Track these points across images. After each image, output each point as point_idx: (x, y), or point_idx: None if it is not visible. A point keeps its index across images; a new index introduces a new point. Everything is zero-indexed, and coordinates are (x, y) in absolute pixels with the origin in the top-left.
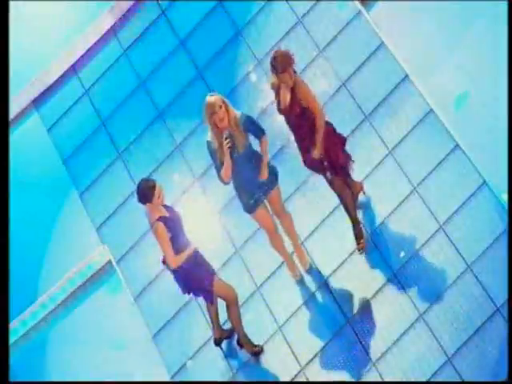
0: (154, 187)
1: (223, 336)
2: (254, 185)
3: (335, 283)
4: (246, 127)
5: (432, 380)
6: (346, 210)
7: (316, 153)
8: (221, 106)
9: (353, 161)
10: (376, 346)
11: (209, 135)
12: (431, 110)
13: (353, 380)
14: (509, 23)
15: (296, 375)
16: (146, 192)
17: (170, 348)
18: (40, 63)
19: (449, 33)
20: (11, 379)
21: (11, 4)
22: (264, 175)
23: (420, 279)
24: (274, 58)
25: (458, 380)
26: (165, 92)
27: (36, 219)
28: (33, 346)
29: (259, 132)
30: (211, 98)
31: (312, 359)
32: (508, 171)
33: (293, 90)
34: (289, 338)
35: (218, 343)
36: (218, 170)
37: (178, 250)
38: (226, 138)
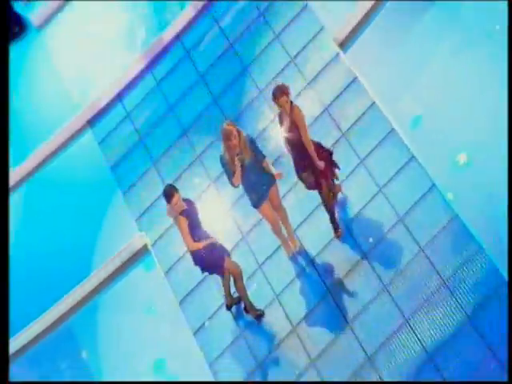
0: (171, 196)
1: (233, 303)
2: (258, 185)
3: (319, 261)
4: (251, 145)
5: (391, 338)
6: (326, 206)
7: (319, 164)
8: (235, 135)
9: (339, 168)
10: (350, 309)
11: (222, 151)
12: (392, 129)
13: (332, 337)
14: (509, 23)
15: (288, 333)
16: (165, 197)
17: (192, 312)
18: (92, 90)
19: (407, 69)
20: (76, 332)
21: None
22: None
23: (384, 258)
24: (274, 89)
25: (414, 337)
26: (188, 115)
27: (91, 212)
28: (90, 308)
29: (261, 156)
30: (229, 128)
31: (301, 321)
32: (508, 173)
33: (290, 115)
34: (283, 304)
35: (229, 308)
36: (229, 177)
37: (196, 237)
38: (237, 154)
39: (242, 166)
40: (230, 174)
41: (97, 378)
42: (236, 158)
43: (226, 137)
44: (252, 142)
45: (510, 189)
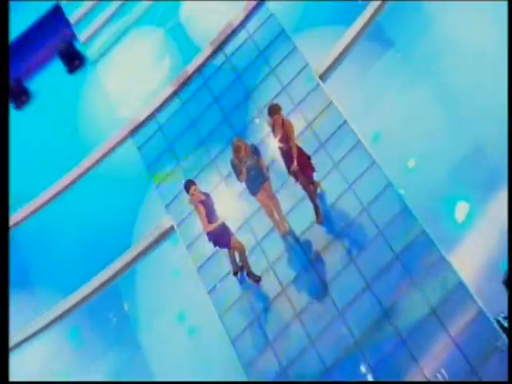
0: (188, 187)
1: (238, 270)
2: (256, 180)
3: (303, 240)
4: (254, 152)
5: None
6: (310, 198)
7: (294, 165)
8: (243, 149)
9: (316, 171)
10: (326, 276)
11: (232, 157)
12: (359, 141)
13: (312, 296)
14: (509, 23)
15: (279, 293)
16: (184, 187)
17: (207, 276)
18: (134, 109)
19: (370, 96)
20: (121, 290)
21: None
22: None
23: (352, 238)
24: (270, 107)
25: (374, 298)
26: (205, 128)
27: (133, 200)
28: (131, 272)
29: (259, 156)
30: (238, 144)
31: (288, 284)
32: (508, 172)
33: (283, 127)
34: (275, 272)
35: (235, 274)
36: (237, 175)
37: (211, 220)
38: (244, 161)
39: (246, 167)
40: (238, 173)
41: (135, 324)
42: (242, 162)
43: (236, 150)
44: (255, 148)
45: (510, 190)
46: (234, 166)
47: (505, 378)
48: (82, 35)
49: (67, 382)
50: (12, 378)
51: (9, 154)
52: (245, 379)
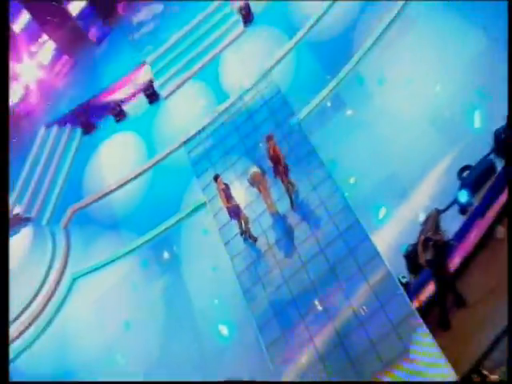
0: (216, 178)
1: (243, 232)
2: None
3: (283, 217)
4: (263, 172)
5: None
6: (288, 193)
7: (281, 168)
8: (259, 177)
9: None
10: (296, 238)
11: (249, 175)
12: (322, 164)
13: (289, 251)
14: (509, 22)
15: (267, 249)
16: (214, 179)
17: (225, 235)
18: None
19: (331, 139)
20: (170, 243)
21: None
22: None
23: (313, 219)
24: (267, 136)
25: (325, 258)
26: (228, 146)
27: (182, 186)
28: (176, 229)
29: (265, 174)
30: (256, 173)
31: (273, 244)
32: (507, 172)
33: (274, 148)
34: (267, 236)
35: (241, 235)
36: (251, 185)
37: (229, 201)
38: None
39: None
40: (252, 184)
41: (179, 260)
42: (256, 184)
43: (254, 176)
44: (263, 171)
45: (510, 189)
46: (249, 180)
47: (402, 313)
48: (158, 80)
49: (76, 382)
50: (105, 285)
51: (8, 153)
52: (244, 302)
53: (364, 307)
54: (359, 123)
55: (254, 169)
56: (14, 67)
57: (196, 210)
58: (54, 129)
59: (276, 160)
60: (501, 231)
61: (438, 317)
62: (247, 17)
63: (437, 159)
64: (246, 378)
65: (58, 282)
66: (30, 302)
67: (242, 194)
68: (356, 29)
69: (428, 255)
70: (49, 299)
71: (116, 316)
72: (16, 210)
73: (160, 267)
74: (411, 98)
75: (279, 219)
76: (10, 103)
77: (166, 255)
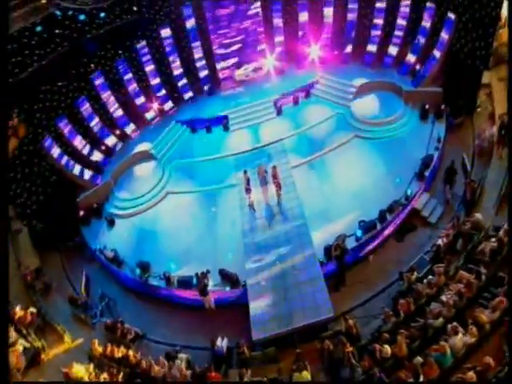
0: (244, 172)
1: (249, 205)
2: (263, 183)
3: (273, 207)
4: (265, 170)
5: None
6: (278, 197)
7: (278, 182)
8: (262, 172)
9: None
10: (276, 215)
11: (257, 168)
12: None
13: (274, 223)
14: (509, 22)
15: (259, 218)
16: (243, 172)
17: (242, 205)
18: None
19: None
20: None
21: None
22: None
23: (291, 212)
24: (272, 166)
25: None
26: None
27: (224, 176)
28: (215, 195)
29: (267, 174)
30: (261, 168)
31: (264, 215)
32: (508, 173)
33: (275, 174)
34: (261, 212)
35: (248, 206)
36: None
37: (249, 188)
38: (263, 176)
39: (260, 178)
40: (258, 175)
41: (212, 215)
42: (261, 176)
43: (259, 170)
44: (265, 169)
45: (511, 188)
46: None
47: (315, 275)
48: (230, 121)
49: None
50: (180, 203)
51: (7, 151)
52: (242, 245)
53: (297, 265)
54: (321, 186)
55: (261, 166)
56: None
57: (231, 186)
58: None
59: (275, 180)
60: (371, 258)
61: (334, 283)
62: (279, 111)
63: (349, 213)
64: (232, 269)
65: (158, 192)
66: (143, 195)
67: (255, 191)
68: (326, 137)
69: (337, 252)
70: (151, 199)
71: (178, 219)
72: (146, 147)
73: (209, 206)
74: (348, 181)
75: (269, 206)
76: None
77: (216, 200)
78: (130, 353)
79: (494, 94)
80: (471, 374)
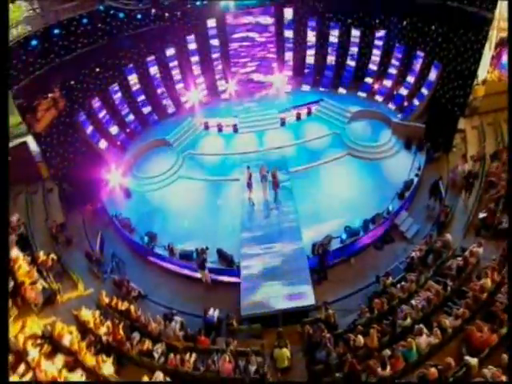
0: (248, 168)
1: (249, 198)
2: (264, 179)
3: (270, 201)
4: (266, 169)
5: None
6: (275, 194)
7: (276, 183)
8: (264, 170)
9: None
10: (271, 205)
11: (260, 167)
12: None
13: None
14: (509, 22)
15: (256, 209)
16: (247, 167)
17: (244, 198)
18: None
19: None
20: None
21: None
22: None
23: (281, 209)
24: (273, 168)
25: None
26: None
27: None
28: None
29: (268, 173)
30: (263, 167)
31: (262, 208)
32: (508, 174)
33: (274, 175)
34: (259, 205)
35: (248, 199)
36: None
37: (249, 180)
38: (264, 175)
39: (261, 177)
40: (260, 172)
41: (225, 198)
42: (263, 174)
43: (261, 169)
44: (267, 168)
45: (510, 189)
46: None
47: (301, 267)
48: (239, 125)
49: (76, 382)
50: (188, 187)
51: (8, 147)
52: (239, 232)
53: (286, 256)
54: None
55: (263, 166)
56: None
57: (235, 180)
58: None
59: (275, 179)
60: (352, 260)
61: (317, 274)
62: (283, 123)
63: (337, 218)
64: (229, 251)
65: (171, 175)
66: (157, 176)
67: (255, 184)
68: (322, 151)
69: (320, 250)
70: (164, 180)
71: (185, 201)
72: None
73: (214, 194)
74: (338, 191)
75: (266, 201)
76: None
77: (221, 192)
78: (132, 308)
79: (467, 138)
80: (434, 370)
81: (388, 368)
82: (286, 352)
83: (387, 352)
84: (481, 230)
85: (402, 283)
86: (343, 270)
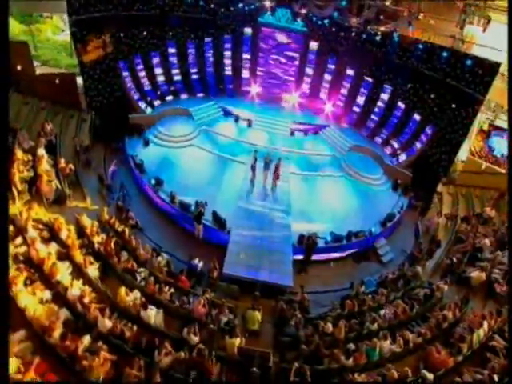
0: (255, 152)
1: (251, 180)
2: (266, 167)
3: (267, 190)
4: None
5: None
6: (274, 184)
7: (277, 175)
8: (269, 159)
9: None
10: (269, 196)
11: (264, 156)
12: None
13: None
14: (509, 22)
15: (255, 191)
16: (254, 151)
17: (247, 178)
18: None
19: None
20: None
21: None
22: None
23: (279, 199)
24: (277, 159)
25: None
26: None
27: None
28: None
29: (270, 162)
30: (268, 156)
31: (260, 191)
32: (508, 175)
33: (277, 167)
34: (258, 189)
35: (250, 181)
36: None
37: (253, 163)
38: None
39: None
40: (264, 161)
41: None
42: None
43: (266, 158)
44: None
45: (510, 192)
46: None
47: (286, 252)
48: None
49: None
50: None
51: (7, 141)
52: (236, 205)
53: (274, 237)
54: (308, 194)
55: (268, 155)
56: None
57: (241, 163)
58: None
59: (276, 170)
60: (332, 264)
61: (301, 264)
62: (292, 133)
63: (325, 222)
64: (224, 215)
65: (186, 140)
66: (175, 137)
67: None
68: (321, 165)
69: (308, 241)
70: (180, 142)
71: (194, 166)
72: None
73: (221, 167)
74: (329, 201)
75: (265, 187)
76: None
77: (227, 167)
78: (127, 231)
79: (443, 200)
80: (394, 372)
81: (351, 360)
82: (258, 315)
83: (352, 346)
84: (447, 273)
85: (374, 294)
86: (322, 269)
